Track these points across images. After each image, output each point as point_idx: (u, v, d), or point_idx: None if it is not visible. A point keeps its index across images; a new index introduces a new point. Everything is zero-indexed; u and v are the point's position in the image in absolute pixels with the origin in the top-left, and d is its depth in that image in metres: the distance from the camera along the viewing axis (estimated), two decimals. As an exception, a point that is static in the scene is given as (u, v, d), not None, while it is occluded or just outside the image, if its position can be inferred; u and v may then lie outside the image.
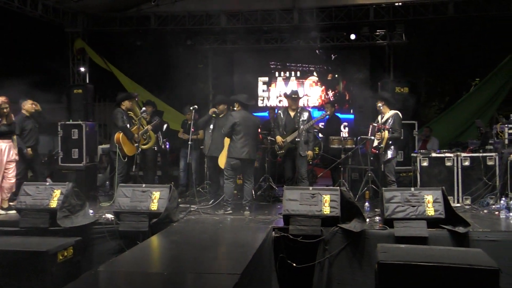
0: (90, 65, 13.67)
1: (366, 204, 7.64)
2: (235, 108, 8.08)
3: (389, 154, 7.79)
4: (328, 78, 16.80)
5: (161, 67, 13.92)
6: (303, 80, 16.62)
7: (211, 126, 8.69)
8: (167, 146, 10.66)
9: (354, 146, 9.02)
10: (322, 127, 11.04)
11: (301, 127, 7.96)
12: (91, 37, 13.64)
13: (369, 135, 8.20)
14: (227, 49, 15.65)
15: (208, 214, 7.61)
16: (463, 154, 8.27)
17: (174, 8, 13.07)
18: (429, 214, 6.09)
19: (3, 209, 7.50)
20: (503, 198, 7.42)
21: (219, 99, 8.84)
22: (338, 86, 16.78)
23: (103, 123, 15.51)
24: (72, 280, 4.47)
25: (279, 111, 8.53)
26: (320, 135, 10.17)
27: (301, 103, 8.63)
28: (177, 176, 10.39)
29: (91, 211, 7.31)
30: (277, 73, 16.91)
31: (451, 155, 8.28)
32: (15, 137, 7.76)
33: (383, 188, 6.80)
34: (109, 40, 14.28)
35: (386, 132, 7.74)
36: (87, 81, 13.45)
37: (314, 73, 16.78)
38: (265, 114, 13.91)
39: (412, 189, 6.45)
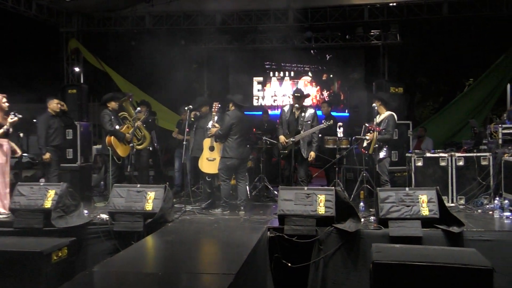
0: (85, 65, 13.65)
1: (361, 204, 7.65)
2: (228, 108, 8.07)
3: (381, 154, 7.81)
4: (323, 78, 16.85)
5: (156, 67, 13.90)
6: (297, 80, 16.65)
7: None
8: (156, 145, 10.67)
9: (349, 146, 9.03)
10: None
11: (303, 129, 7.91)
12: (86, 37, 13.62)
13: (362, 135, 8.26)
14: (222, 49, 15.64)
15: (203, 214, 7.61)
16: (457, 154, 8.29)
17: (169, 8, 13.07)
18: (424, 214, 6.10)
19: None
20: (497, 198, 7.43)
21: (201, 101, 8.79)
22: (333, 86, 16.82)
23: (98, 123, 15.46)
24: (66, 281, 4.45)
25: (284, 108, 8.41)
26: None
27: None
28: (172, 176, 10.38)
29: (85, 211, 7.28)
30: (271, 73, 16.93)
31: (446, 155, 8.30)
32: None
33: (378, 188, 6.82)
34: (103, 40, 14.26)
35: (375, 133, 7.77)
36: (82, 81, 13.42)
37: (309, 73, 16.82)
38: (259, 113, 13.89)
39: (407, 189, 6.46)
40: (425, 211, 6.12)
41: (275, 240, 6.20)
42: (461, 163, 8.20)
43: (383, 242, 5.74)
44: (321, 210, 6.23)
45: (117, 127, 8.45)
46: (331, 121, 8.22)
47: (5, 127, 7.32)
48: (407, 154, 8.81)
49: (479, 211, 7.55)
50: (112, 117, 8.47)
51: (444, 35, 16.29)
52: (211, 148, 7.94)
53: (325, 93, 16.71)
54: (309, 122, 8.00)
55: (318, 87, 16.76)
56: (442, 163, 8.24)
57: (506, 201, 7.26)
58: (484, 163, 8.17)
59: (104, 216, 7.06)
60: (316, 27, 13.30)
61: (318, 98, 16.61)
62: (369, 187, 8.25)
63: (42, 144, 8.31)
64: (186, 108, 8.27)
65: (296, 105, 8.08)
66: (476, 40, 16.57)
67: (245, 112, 8.43)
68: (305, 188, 6.77)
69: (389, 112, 8.03)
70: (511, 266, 5.68)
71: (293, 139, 7.88)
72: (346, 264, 6.03)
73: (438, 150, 8.74)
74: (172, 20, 13.24)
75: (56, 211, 6.65)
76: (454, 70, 18.70)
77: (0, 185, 7.32)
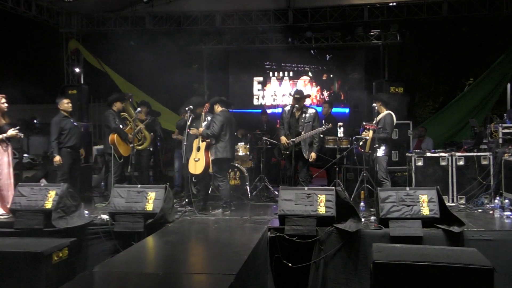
0: (85, 66, 13.65)
1: (361, 204, 7.66)
2: (213, 110, 8.07)
3: (379, 152, 7.81)
4: (323, 78, 16.86)
5: (155, 67, 13.92)
6: (296, 80, 16.68)
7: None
8: (158, 145, 10.68)
9: (349, 146, 9.04)
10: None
11: (304, 130, 7.91)
12: (86, 37, 13.62)
13: (360, 134, 8.29)
14: (222, 49, 15.66)
15: (203, 214, 7.61)
16: (458, 154, 8.29)
17: (169, 9, 13.08)
18: (424, 214, 6.10)
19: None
20: (497, 198, 7.43)
21: (197, 102, 8.66)
22: (333, 86, 16.84)
23: (98, 124, 15.49)
24: (67, 281, 4.47)
25: (285, 108, 8.39)
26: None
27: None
28: (172, 177, 10.38)
29: (86, 212, 7.28)
30: (271, 73, 16.96)
31: (446, 154, 8.30)
32: None
33: (378, 188, 6.83)
34: (103, 41, 14.26)
35: (371, 132, 7.78)
36: (82, 82, 13.43)
37: (309, 73, 16.83)
38: (259, 110, 13.90)
39: (407, 188, 6.45)
40: (425, 211, 6.12)
41: (276, 240, 6.20)
42: (461, 162, 8.20)
43: (384, 242, 5.74)
44: (322, 210, 6.23)
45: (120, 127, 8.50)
46: (330, 125, 8.19)
47: (4, 135, 7.31)
48: (407, 154, 8.80)
49: (480, 210, 7.55)
50: (116, 118, 8.51)
51: (444, 35, 16.29)
52: (198, 149, 7.91)
53: (325, 93, 16.73)
54: (310, 122, 8.00)
55: (318, 87, 16.78)
56: (443, 163, 8.24)
57: (507, 201, 7.27)
58: (484, 162, 8.16)
59: (105, 216, 7.06)
60: (316, 27, 13.30)
61: (318, 98, 16.62)
62: (369, 187, 8.26)
63: (54, 146, 8.27)
64: (186, 108, 8.25)
65: (297, 106, 8.08)
66: (476, 40, 16.58)
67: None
68: (306, 188, 6.77)
69: (387, 112, 8.04)
70: (512, 266, 5.69)
71: (294, 140, 7.87)
72: (346, 264, 6.04)
73: (439, 150, 8.74)
74: (172, 20, 13.23)
75: (57, 211, 6.65)
76: (454, 69, 18.71)
77: (4, 187, 7.33)
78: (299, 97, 8.11)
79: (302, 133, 7.95)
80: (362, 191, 8.31)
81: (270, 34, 14.14)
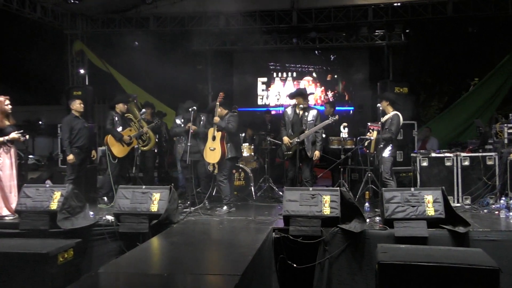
0: (89, 67, 13.69)
1: (366, 204, 7.64)
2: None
3: (385, 153, 7.79)
4: (328, 79, 16.86)
5: (160, 68, 13.93)
6: (300, 81, 16.69)
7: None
8: (162, 147, 10.71)
9: (353, 146, 9.02)
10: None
11: (308, 129, 7.92)
12: (90, 38, 13.66)
13: (366, 134, 8.28)
14: (226, 50, 15.66)
15: (208, 215, 7.61)
16: (463, 154, 8.27)
17: (173, 9, 13.09)
18: (429, 214, 6.08)
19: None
20: (503, 198, 7.41)
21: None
22: (337, 87, 16.83)
23: (103, 125, 15.50)
24: (72, 282, 4.48)
25: (287, 109, 8.39)
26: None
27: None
28: (177, 178, 10.38)
29: (91, 212, 7.30)
30: (275, 74, 16.98)
31: (451, 155, 8.28)
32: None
33: (383, 188, 6.80)
34: (108, 42, 14.30)
35: (375, 132, 7.76)
36: (86, 83, 13.46)
37: (314, 74, 16.84)
38: (264, 109, 13.90)
39: (412, 189, 6.44)
40: (430, 211, 6.10)
41: (280, 241, 6.19)
42: (466, 163, 8.17)
43: (389, 243, 5.72)
44: (326, 210, 6.22)
45: (120, 128, 8.54)
46: (337, 117, 8.23)
47: (5, 138, 7.33)
48: (412, 154, 8.79)
49: (485, 211, 7.52)
50: (116, 119, 8.55)
51: (449, 35, 16.22)
52: (213, 138, 7.93)
53: (330, 94, 16.72)
54: (312, 121, 8.01)
55: (323, 88, 16.77)
56: (448, 163, 8.22)
57: (512, 201, 7.24)
58: (489, 163, 8.14)
59: (110, 217, 7.07)
60: (320, 27, 13.30)
61: (323, 98, 16.62)
62: (374, 187, 8.24)
63: (66, 145, 8.37)
64: (189, 109, 8.24)
65: (301, 106, 8.09)
66: (481, 40, 16.50)
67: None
68: (310, 188, 6.76)
69: (394, 112, 8.01)
70: (518, 266, 5.66)
71: (298, 139, 7.86)
72: (351, 265, 6.02)
73: (444, 150, 8.72)
74: (176, 21, 13.26)
75: (62, 212, 6.67)
76: (459, 70, 18.64)
77: (7, 188, 7.35)
78: (303, 94, 8.19)
79: (306, 131, 7.94)
80: (367, 192, 8.29)
81: (274, 35, 14.14)
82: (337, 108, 10.61)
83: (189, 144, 7.97)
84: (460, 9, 12.00)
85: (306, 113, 8.06)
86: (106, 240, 6.73)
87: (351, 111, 16.12)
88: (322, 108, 10.35)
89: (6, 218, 7.22)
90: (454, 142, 11.24)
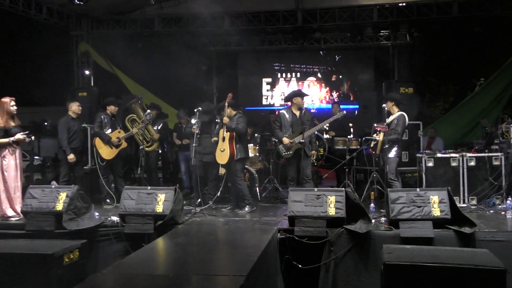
0: (95, 68, 13.74)
1: (372, 205, 7.61)
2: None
3: (391, 154, 7.76)
4: (332, 79, 16.84)
5: (165, 69, 13.96)
6: (304, 81, 16.69)
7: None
8: (165, 148, 10.72)
9: (359, 147, 9.00)
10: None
11: (309, 128, 7.94)
12: (95, 39, 13.69)
13: (372, 135, 8.26)
14: (231, 51, 15.67)
15: (213, 216, 7.61)
16: (469, 154, 8.23)
17: (178, 10, 13.12)
18: (435, 215, 6.06)
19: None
20: (509, 198, 7.37)
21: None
22: (342, 87, 16.81)
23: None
24: (78, 283, 4.47)
25: (282, 111, 8.43)
26: (326, 135, 10.13)
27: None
28: (182, 179, 10.39)
29: (96, 213, 7.32)
30: (279, 74, 16.98)
31: (457, 155, 8.25)
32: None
33: (389, 189, 6.78)
34: (113, 43, 14.34)
35: (381, 134, 7.74)
36: (92, 84, 13.50)
37: (318, 74, 16.83)
38: (270, 108, 13.90)
39: (418, 189, 6.42)
40: (436, 212, 6.08)
41: (286, 242, 6.19)
42: (472, 163, 8.14)
43: (394, 243, 5.70)
44: (332, 211, 6.21)
45: (109, 130, 8.62)
46: (344, 112, 8.34)
47: (11, 139, 7.35)
48: (417, 155, 8.76)
49: (491, 211, 7.49)
50: (106, 120, 8.63)
51: (454, 35, 16.16)
52: (223, 139, 7.96)
53: (335, 94, 16.70)
54: (309, 121, 8.13)
55: (328, 88, 16.75)
56: (453, 164, 8.19)
57: (518, 202, 7.21)
58: (495, 163, 8.10)
59: (115, 218, 7.08)
60: (325, 28, 13.30)
61: (327, 99, 16.60)
62: (379, 188, 8.22)
63: (65, 145, 8.43)
64: (195, 110, 8.25)
65: (300, 106, 8.16)
66: (486, 40, 16.43)
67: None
68: (315, 189, 6.76)
69: (400, 112, 7.98)
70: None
71: (303, 140, 7.86)
72: (357, 265, 6.01)
73: (449, 151, 8.70)
74: (181, 22, 13.28)
75: (68, 213, 6.69)
76: (465, 70, 18.56)
77: (12, 189, 7.37)
78: (303, 95, 8.30)
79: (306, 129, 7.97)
80: (372, 192, 8.29)
81: (279, 35, 14.13)
82: (342, 107, 10.62)
83: (194, 145, 7.99)
84: (465, 9, 11.96)
85: (304, 114, 8.12)
86: (112, 241, 6.75)
87: (356, 111, 16.08)
88: (329, 106, 10.34)
89: (12, 219, 7.25)
90: (460, 142, 11.19)
